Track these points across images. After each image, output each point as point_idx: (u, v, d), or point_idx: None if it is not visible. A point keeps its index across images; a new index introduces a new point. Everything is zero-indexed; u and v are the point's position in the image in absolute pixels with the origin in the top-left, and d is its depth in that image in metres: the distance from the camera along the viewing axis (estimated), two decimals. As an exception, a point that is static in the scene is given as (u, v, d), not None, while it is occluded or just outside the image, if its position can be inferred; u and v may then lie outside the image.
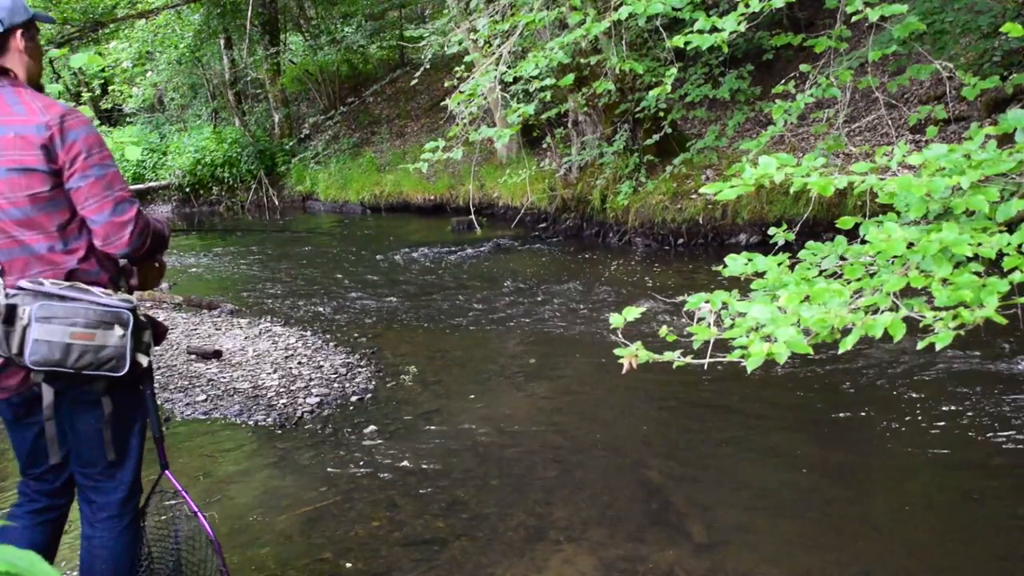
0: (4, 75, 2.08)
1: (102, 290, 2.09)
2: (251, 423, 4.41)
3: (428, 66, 9.12)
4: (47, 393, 2.06)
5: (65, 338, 1.98)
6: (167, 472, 2.41)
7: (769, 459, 3.69)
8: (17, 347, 1.99)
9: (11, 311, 1.99)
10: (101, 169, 2.05)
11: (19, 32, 2.11)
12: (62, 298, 2.02)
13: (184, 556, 2.52)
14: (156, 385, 5.03)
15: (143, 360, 2.13)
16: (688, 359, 2.01)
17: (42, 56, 2.22)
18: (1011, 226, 1.90)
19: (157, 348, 2.32)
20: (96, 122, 2.13)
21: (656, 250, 8.62)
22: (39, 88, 2.19)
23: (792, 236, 2.80)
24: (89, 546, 2.24)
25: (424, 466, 3.75)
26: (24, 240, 2.06)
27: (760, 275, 2.16)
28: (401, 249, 9.83)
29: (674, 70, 4.20)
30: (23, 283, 2.03)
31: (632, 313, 2.13)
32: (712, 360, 1.97)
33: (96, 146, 2.06)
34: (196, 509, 2.41)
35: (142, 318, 2.15)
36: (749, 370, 1.82)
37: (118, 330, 2.04)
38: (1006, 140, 2.17)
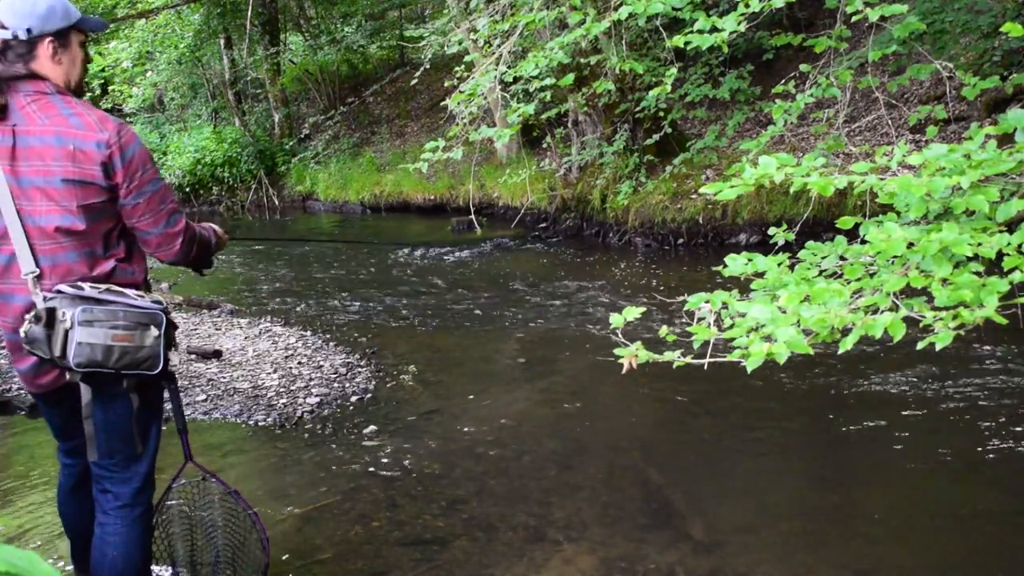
0: (39, 79, 2.13)
1: (136, 292, 2.18)
2: (251, 423, 4.41)
3: (428, 66, 9.13)
4: (85, 392, 2.15)
5: (107, 340, 2.07)
6: (192, 460, 2.53)
7: (769, 459, 3.69)
8: (60, 349, 2.06)
9: (51, 314, 2.07)
10: (154, 185, 2.17)
11: (47, 40, 2.14)
12: (100, 302, 2.10)
13: (224, 535, 2.65)
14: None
15: (173, 358, 2.26)
16: (688, 359, 2.01)
17: (84, 62, 2.26)
18: (1011, 226, 1.90)
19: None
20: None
21: (656, 250, 8.62)
22: (80, 93, 2.25)
23: (792, 236, 2.80)
24: (102, 533, 2.31)
25: (424, 466, 3.75)
26: (68, 246, 2.13)
27: (760, 275, 2.16)
28: (401, 249, 9.83)
29: (674, 70, 4.20)
30: (63, 287, 2.11)
31: (632, 313, 2.13)
32: (712, 360, 1.97)
33: (148, 161, 2.17)
34: (231, 489, 2.55)
35: (171, 317, 2.26)
36: (749, 370, 1.82)
37: (153, 331, 2.14)
38: (1006, 140, 2.17)
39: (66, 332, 2.05)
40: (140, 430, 2.26)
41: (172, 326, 2.25)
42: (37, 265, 2.12)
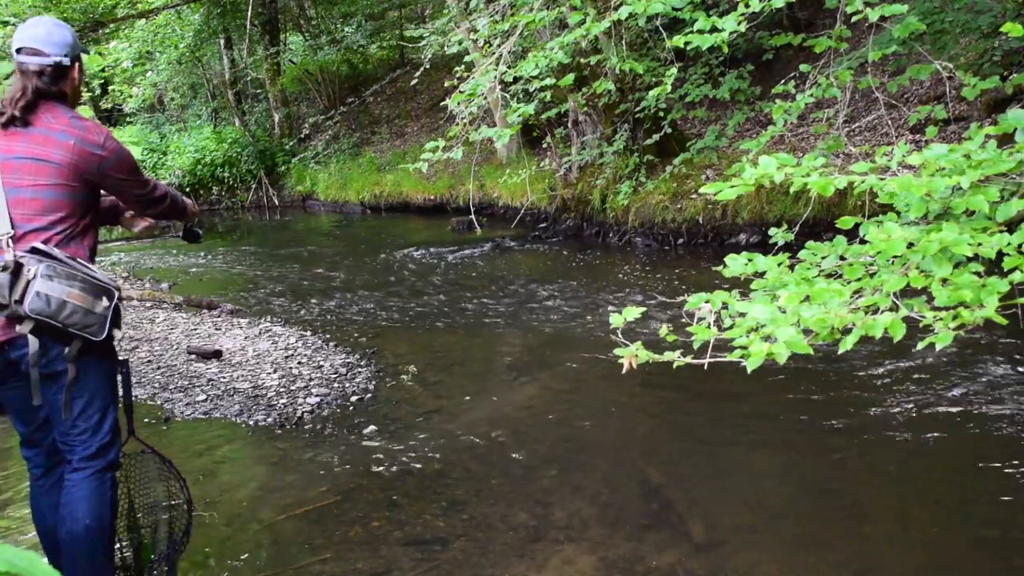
0: (60, 99, 2.50)
1: (96, 267, 2.48)
2: (251, 423, 4.41)
3: (428, 66, 9.11)
4: (32, 344, 2.35)
5: (63, 296, 2.31)
6: (133, 435, 2.74)
7: (769, 459, 3.69)
8: (19, 296, 2.30)
9: (18, 267, 2.32)
10: (139, 172, 2.63)
11: (76, 65, 2.56)
12: (64, 263, 2.36)
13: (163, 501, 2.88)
14: (156, 385, 5.04)
15: (116, 334, 2.49)
16: (688, 359, 2.01)
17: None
18: (1011, 226, 1.90)
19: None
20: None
21: (656, 250, 8.62)
22: (74, 104, 2.63)
23: (792, 236, 2.80)
24: (67, 487, 2.52)
25: (424, 466, 3.75)
26: (35, 220, 2.42)
27: (760, 275, 2.16)
28: (401, 249, 9.83)
29: (674, 70, 4.20)
30: (36, 245, 2.36)
31: (632, 313, 2.13)
32: (712, 360, 1.97)
33: (129, 156, 2.58)
34: (167, 460, 2.81)
35: (121, 302, 2.51)
36: (749, 370, 1.82)
37: (104, 301, 2.41)
38: (1006, 140, 2.17)
39: (28, 282, 2.30)
40: (77, 399, 2.45)
41: (119, 310, 2.50)
42: (13, 228, 2.39)
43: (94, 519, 2.48)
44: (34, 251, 2.36)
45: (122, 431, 2.63)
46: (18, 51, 2.49)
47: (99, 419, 2.50)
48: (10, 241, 2.39)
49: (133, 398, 2.76)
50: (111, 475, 2.55)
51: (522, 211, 10.10)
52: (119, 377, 2.61)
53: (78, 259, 2.42)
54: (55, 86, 2.49)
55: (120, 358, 2.62)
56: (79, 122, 2.48)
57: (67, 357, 2.39)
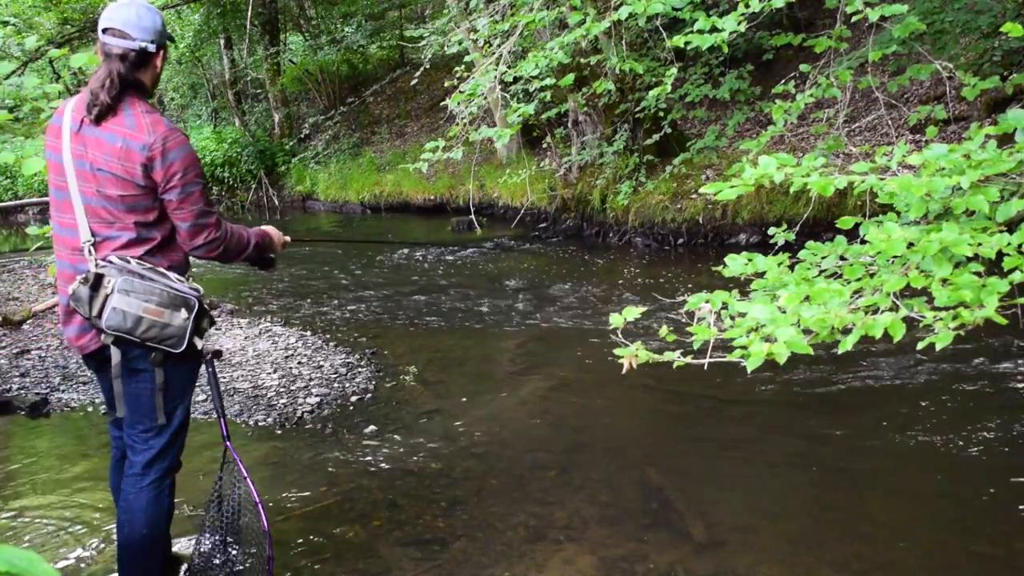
0: (138, 88, 2.42)
1: (177, 276, 2.43)
2: (251, 423, 4.41)
3: (428, 66, 9.12)
4: (115, 355, 2.39)
5: (139, 311, 2.31)
6: (228, 444, 2.72)
7: (769, 459, 3.69)
8: (97, 311, 2.32)
9: (98, 279, 2.33)
10: (190, 188, 2.40)
11: (161, 52, 2.47)
12: (142, 276, 2.35)
13: (235, 519, 2.78)
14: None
15: (198, 343, 2.46)
16: (688, 359, 2.01)
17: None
18: (1011, 226, 1.91)
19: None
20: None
21: (656, 250, 8.62)
22: (152, 95, 2.55)
23: (792, 236, 2.80)
24: (122, 497, 2.57)
25: (424, 466, 3.75)
26: (113, 227, 2.40)
27: (760, 275, 2.16)
28: (401, 249, 9.83)
29: (674, 70, 4.20)
30: (112, 258, 2.37)
31: (632, 313, 2.13)
32: (712, 360, 1.97)
33: (190, 167, 2.40)
34: (247, 475, 2.66)
35: (206, 307, 2.48)
36: (749, 370, 1.82)
37: (183, 313, 2.38)
38: (1006, 140, 2.17)
39: (106, 297, 2.30)
40: (163, 404, 2.47)
41: (205, 315, 2.46)
42: (93, 236, 2.39)
43: (151, 528, 2.54)
44: (113, 261, 2.36)
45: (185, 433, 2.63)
46: (104, 31, 2.39)
47: (166, 421, 2.51)
48: (92, 249, 2.38)
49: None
50: (169, 481, 2.58)
51: (522, 211, 10.10)
52: (208, 377, 2.64)
53: (159, 269, 2.40)
54: (136, 73, 2.40)
55: (211, 350, 2.61)
56: (134, 119, 2.35)
57: (153, 362, 2.41)
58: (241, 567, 2.74)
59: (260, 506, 2.60)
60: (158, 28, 2.43)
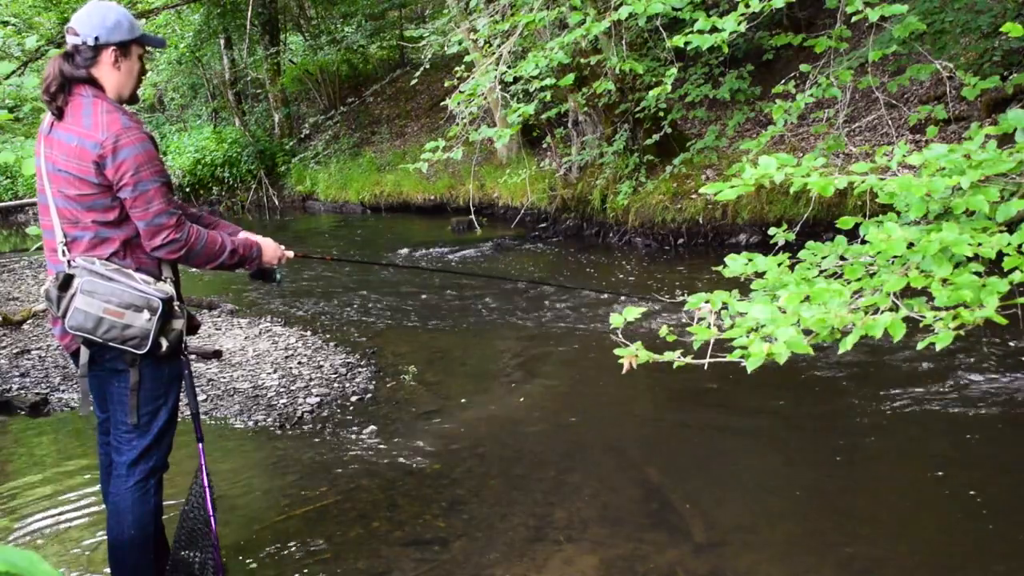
0: (91, 84, 2.41)
1: (143, 278, 2.42)
2: (251, 423, 4.41)
3: (428, 66, 9.11)
4: (83, 354, 2.43)
5: (100, 312, 2.33)
6: (200, 445, 2.72)
7: (769, 459, 3.69)
8: (63, 311, 2.36)
9: (68, 280, 2.37)
10: (146, 184, 2.37)
11: (111, 49, 2.42)
12: (106, 278, 2.36)
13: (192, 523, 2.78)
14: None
15: (164, 343, 2.43)
16: (688, 359, 2.01)
17: (140, 73, 2.54)
18: (1011, 226, 1.90)
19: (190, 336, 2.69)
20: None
21: (656, 250, 8.61)
22: (133, 100, 2.54)
23: (792, 236, 2.80)
24: (111, 495, 2.59)
25: (424, 466, 3.75)
26: (77, 227, 2.42)
27: (760, 275, 2.16)
28: (401, 249, 9.83)
29: (674, 70, 4.20)
30: (79, 259, 2.40)
31: (632, 313, 2.13)
32: (712, 360, 1.97)
33: (144, 164, 2.36)
34: (207, 484, 2.69)
35: (176, 309, 2.47)
36: (749, 370, 1.82)
37: (146, 314, 2.37)
38: (1006, 140, 2.17)
39: (71, 297, 2.34)
40: (137, 404, 2.48)
41: (173, 316, 2.45)
42: (65, 237, 2.43)
43: (139, 529, 2.56)
44: (78, 262, 2.38)
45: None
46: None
47: (147, 421, 2.52)
48: (65, 249, 2.42)
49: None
50: (154, 481, 2.58)
51: (522, 211, 10.09)
52: (185, 377, 2.63)
53: (126, 270, 2.40)
54: (85, 69, 2.39)
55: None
56: (91, 119, 2.35)
57: (127, 363, 2.43)
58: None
59: (212, 516, 2.64)
60: (107, 25, 2.40)
